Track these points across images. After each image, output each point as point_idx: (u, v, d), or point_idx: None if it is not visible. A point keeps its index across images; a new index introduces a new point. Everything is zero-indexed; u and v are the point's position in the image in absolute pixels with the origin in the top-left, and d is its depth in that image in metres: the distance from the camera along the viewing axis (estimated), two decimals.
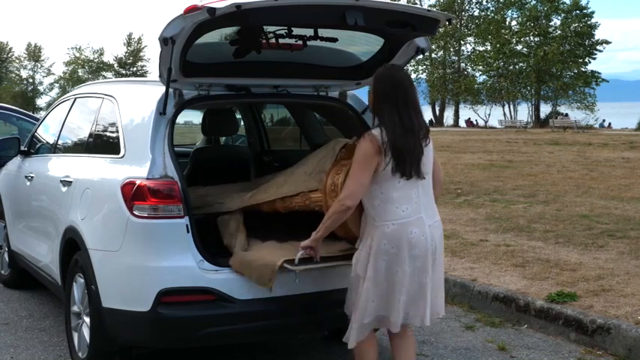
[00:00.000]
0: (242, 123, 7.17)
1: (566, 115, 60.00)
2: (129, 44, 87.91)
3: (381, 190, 3.89)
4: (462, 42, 74.06)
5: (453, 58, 75.00)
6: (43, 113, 8.41)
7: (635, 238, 8.34)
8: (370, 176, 3.87)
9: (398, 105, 3.91)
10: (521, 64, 68.14)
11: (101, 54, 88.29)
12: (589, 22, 65.42)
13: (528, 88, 67.59)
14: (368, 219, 3.94)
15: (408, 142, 3.87)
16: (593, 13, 65.29)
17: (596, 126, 56.49)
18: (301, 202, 4.56)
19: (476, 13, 73.79)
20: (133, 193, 4.24)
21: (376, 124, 3.96)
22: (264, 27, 4.42)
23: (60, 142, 6.20)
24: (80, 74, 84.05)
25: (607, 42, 66.33)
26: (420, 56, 5.32)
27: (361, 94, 5.41)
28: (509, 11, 69.41)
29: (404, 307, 3.93)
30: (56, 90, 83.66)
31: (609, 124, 58.92)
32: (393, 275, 3.87)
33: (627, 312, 5.53)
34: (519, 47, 68.24)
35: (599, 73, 67.17)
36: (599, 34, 66.30)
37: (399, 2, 5.06)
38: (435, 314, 4.09)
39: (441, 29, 4.10)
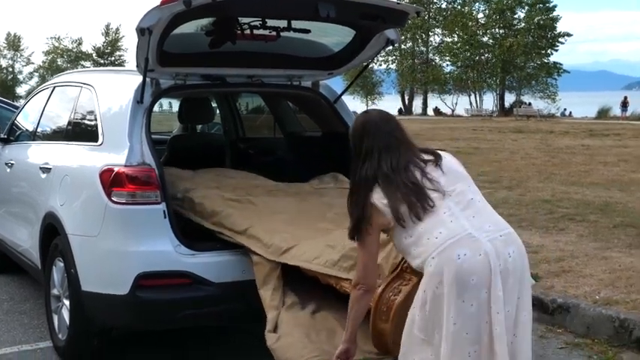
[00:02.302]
0: (218, 111, 7.15)
1: (530, 104, 60.46)
2: (107, 34, 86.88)
3: (409, 234, 3.03)
4: (430, 33, 74.21)
5: (422, 48, 75.16)
6: (22, 101, 8.29)
7: (593, 222, 8.44)
8: (376, 242, 3.17)
9: (379, 153, 3.15)
10: (487, 55, 68.60)
11: (80, 44, 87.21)
12: (551, 15, 66.11)
13: (494, 78, 68.08)
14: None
15: (396, 183, 3.08)
16: (555, 6, 66.03)
17: (558, 115, 57.08)
18: (334, 283, 3.80)
19: (443, 6, 74.02)
20: (111, 180, 4.21)
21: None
22: (239, 18, 4.40)
23: (39, 129, 6.13)
24: (59, 63, 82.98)
25: (569, 34, 67.04)
26: (390, 47, 5.33)
27: (333, 84, 5.41)
28: (476, 4, 69.76)
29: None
30: (36, 79, 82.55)
31: (570, 113, 59.49)
32: (452, 325, 2.85)
33: (586, 292, 5.61)
34: (485, 39, 68.70)
35: (560, 64, 67.89)
36: (561, 27, 66.98)
37: None
38: None
39: (410, 21, 4.08)
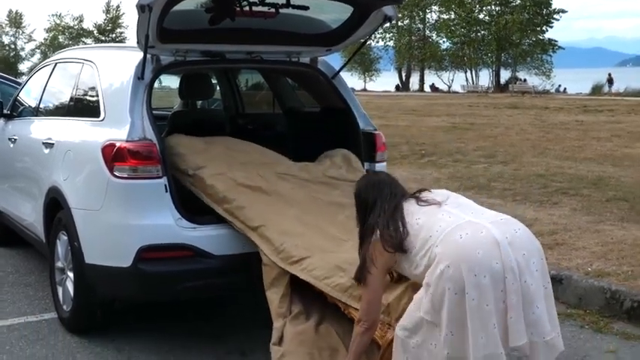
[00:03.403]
0: (218, 87, 7.12)
1: (525, 80, 60.27)
2: (108, 11, 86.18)
3: (413, 246, 3.11)
4: (427, 10, 73.58)
5: (419, 26, 74.59)
6: (24, 78, 8.25)
7: (587, 196, 8.46)
8: (381, 282, 3.27)
9: (381, 202, 3.32)
10: (483, 32, 68.11)
11: (81, 21, 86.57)
12: None
13: (489, 55, 67.63)
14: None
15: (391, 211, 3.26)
16: None
17: (553, 91, 56.87)
18: (342, 307, 3.77)
19: None
20: (113, 155, 4.21)
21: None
22: None
23: (42, 105, 6.12)
24: (61, 40, 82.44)
25: (563, 11, 66.51)
26: (388, 24, 5.30)
27: (331, 60, 5.39)
28: None
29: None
30: (37, 56, 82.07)
31: (565, 89, 59.27)
32: (471, 300, 2.84)
33: (578, 264, 5.63)
34: (481, 16, 68.17)
35: (555, 41, 67.45)
36: (556, 4, 66.72)
37: None
38: (546, 336, 2.95)
39: None
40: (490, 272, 2.83)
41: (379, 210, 3.28)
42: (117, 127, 4.34)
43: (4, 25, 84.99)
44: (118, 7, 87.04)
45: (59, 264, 4.89)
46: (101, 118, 4.63)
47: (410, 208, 3.25)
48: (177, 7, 4.20)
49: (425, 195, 3.30)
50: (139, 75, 4.42)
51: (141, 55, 4.39)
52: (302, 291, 3.93)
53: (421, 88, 70.61)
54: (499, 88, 62.33)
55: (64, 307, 4.81)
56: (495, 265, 2.84)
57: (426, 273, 3.00)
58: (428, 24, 74.22)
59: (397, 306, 3.45)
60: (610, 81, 51.80)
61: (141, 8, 4.07)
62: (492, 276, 2.83)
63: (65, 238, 4.72)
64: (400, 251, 3.13)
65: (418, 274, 3.09)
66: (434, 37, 73.93)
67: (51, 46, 79.52)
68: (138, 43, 4.35)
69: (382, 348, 3.40)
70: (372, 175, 3.71)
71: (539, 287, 2.93)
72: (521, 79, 61.74)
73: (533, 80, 60.08)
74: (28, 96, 6.61)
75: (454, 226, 2.99)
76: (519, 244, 2.93)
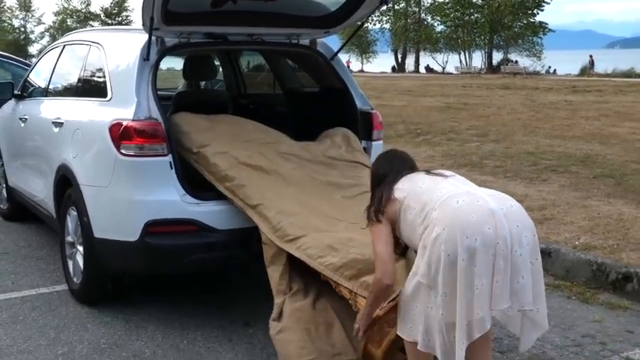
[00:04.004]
0: (220, 69, 7.10)
1: (516, 62, 60.05)
2: None
3: (413, 207, 3.12)
4: None
5: (414, 9, 74.10)
6: (34, 60, 8.21)
7: (575, 173, 8.47)
8: (389, 232, 3.22)
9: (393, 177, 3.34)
10: (476, 15, 67.78)
11: (88, 4, 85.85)
12: None
13: (482, 37, 67.31)
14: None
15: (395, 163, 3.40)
16: None
17: (543, 72, 56.68)
18: (333, 285, 3.76)
19: None
20: (120, 134, 4.20)
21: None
22: None
23: (51, 86, 6.09)
24: (69, 23, 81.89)
25: None
26: (384, 7, 5.26)
27: (330, 41, 5.36)
28: None
29: (487, 293, 2.84)
30: (47, 38, 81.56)
31: (554, 70, 59.04)
32: (462, 261, 2.83)
33: (566, 238, 5.65)
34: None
35: (546, 23, 67.10)
36: None
37: None
38: (526, 306, 2.93)
39: None
40: (481, 235, 2.83)
41: (385, 183, 3.32)
42: (123, 107, 4.33)
43: (14, 9, 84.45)
44: None
45: (69, 238, 4.90)
46: (108, 98, 4.61)
47: (418, 175, 3.30)
48: None
49: (434, 169, 3.36)
50: (145, 56, 4.39)
51: (146, 37, 4.36)
52: (302, 268, 3.93)
53: (416, 70, 70.35)
54: (491, 69, 62.12)
55: (75, 279, 4.83)
56: (487, 230, 2.84)
57: (422, 237, 3.01)
58: (423, 7, 73.78)
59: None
60: (591, 63, 52.11)
61: None
62: (483, 239, 2.82)
63: (75, 213, 4.73)
64: (377, 219, 3.21)
65: (416, 238, 3.09)
66: (429, 20, 73.60)
67: (59, 29, 79.01)
68: (143, 25, 4.32)
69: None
70: (386, 152, 3.71)
71: (527, 260, 2.92)
72: (512, 61, 61.52)
73: (525, 62, 59.84)
74: (38, 77, 6.59)
75: (452, 193, 3.02)
76: (514, 216, 2.93)
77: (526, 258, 2.91)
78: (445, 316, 2.88)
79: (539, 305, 3.01)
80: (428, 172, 3.32)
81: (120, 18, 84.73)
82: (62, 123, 5.09)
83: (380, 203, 3.25)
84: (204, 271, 5.15)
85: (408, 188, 3.20)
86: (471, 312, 2.84)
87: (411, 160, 3.50)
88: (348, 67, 66.89)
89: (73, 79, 5.55)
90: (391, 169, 3.38)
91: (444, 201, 2.98)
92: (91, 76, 5.21)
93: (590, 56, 52.94)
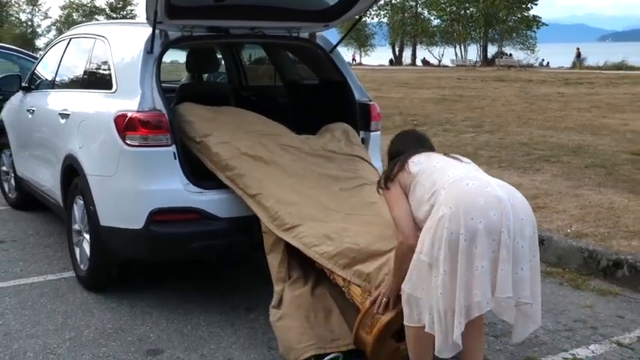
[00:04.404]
0: (222, 61, 7.08)
1: (510, 55, 59.91)
2: None
3: (424, 184, 3.11)
4: None
5: (411, 3, 73.83)
6: (41, 53, 8.19)
7: (567, 163, 8.47)
8: (403, 196, 3.19)
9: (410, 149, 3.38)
10: (471, 9, 67.58)
11: None
12: None
13: (477, 31, 67.17)
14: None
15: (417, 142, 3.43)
16: None
17: (536, 65, 56.59)
18: (327, 272, 3.76)
19: None
20: (125, 124, 4.19)
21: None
22: None
23: (57, 78, 6.08)
24: (75, 17, 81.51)
25: None
26: (382, 1, 5.26)
27: (329, 35, 5.35)
28: None
29: (488, 277, 2.82)
30: (53, 32, 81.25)
31: (547, 63, 58.92)
32: (463, 241, 2.82)
33: (559, 226, 5.66)
34: None
35: (539, 17, 66.97)
36: None
37: None
38: (523, 298, 2.91)
39: None
40: (486, 220, 2.80)
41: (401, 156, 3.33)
42: (128, 99, 4.32)
43: (21, 3, 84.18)
44: None
45: (76, 226, 4.90)
46: (113, 90, 4.60)
47: (434, 155, 3.31)
48: None
49: (452, 154, 3.36)
50: (149, 49, 4.38)
51: (150, 30, 4.34)
52: (301, 256, 3.93)
53: (413, 63, 70.18)
54: (486, 62, 61.99)
55: (81, 266, 4.83)
56: (493, 216, 2.81)
57: (429, 215, 2.99)
58: (420, 1, 73.52)
59: (377, 275, 3.44)
60: (578, 55, 52.58)
61: None
62: (487, 224, 2.80)
63: (81, 202, 4.73)
64: (386, 186, 3.24)
65: (421, 214, 3.08)
66: (425, 14, 73.38)
67: (65, 23, 78.70)
68: (147, 19, 4.30)
69: (361, 314, 3.40)
70: (405, 131, 3.72)
71: (527, 253, 2.91)
72: (507, 54, 61.38)
73: (518, 55, 59.74)
74: (45, 70, 6.58)
75: (463, 175, 3.00)
76: (519, 208, 2.90)
77: (527, 251, 2.89)
78: (443, 294, 2.86)
79: (535, 301, 3.00)
80: (446, 154, 3.32)
81: (124, 12, 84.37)
82: (68, 114, 5.08)
83: (392, 171, 3.25)
84: (207, 259, 5.15)
85: (423, 164, 3.18)
86: (470, 293, 2.82)
87: (428, 141, 3.51)
88: (354, 59, 66.81)
89: (79, 72, 5.53)
90: (408, 145, 3.40)
91: (454, 182, 2.96)
92: (97, 68, 5.20)
93: (577, 49, 53.43)
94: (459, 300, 2.83)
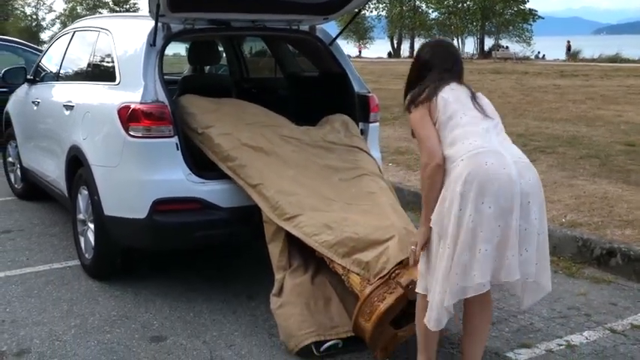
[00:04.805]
0: (224, 54, 7.06)
1: (507, 47, 59.75)
2: None
3: (443, 137, 2.97)
4: None
5: None
6: (46, 46, 8.17)
7: (562, 154, 8.45)
8: (433, 127, 3.00)
9: (441, 70, 3.15)
10: (468, 3, 67.36)
11: None
12: None
13: (474, 24, 67.02)
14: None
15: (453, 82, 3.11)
16: None
17: (532, 57, 56.47)
18: (327, 261, 3.76)
19: None
20: (128, 116, 4.18)
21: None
22: None
23: (62, 71, 6.06)
24: (79, 11, 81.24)
25: None
26: None
27: (329, 28, 5.33)
28: None
29: (490, 260, 2.82)
30: (57, 25, 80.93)
31: (543, 55, 58.79)
32: (470, 222, 2.79)
33: (554, 215, 5.65)
34: None
35: (535, 10, 66.80)
36: None
37: None
38: (529, 277, 2.92)
39: None
40: (495, 206, 2.78)
41: (430, 79, 3.10)
42: (131, 90, 4.30)
43: None
44: None
45: (81, 216, 4.90)
46: (117, 82, 4.59)
47: (462, 96, 3.08)
48: None
49: (480, 98, 3.13)
50: (151, 42, 4.37)
51: (152, 23, 4.33)
52: (301, 245, 3.93)
53: (411, 55, 69.83)
54: (483, 54, 61.88)
55: (86, 255, 4.83)
56: (503, 203, 2.78)
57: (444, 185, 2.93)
58: None
59: (376, 264, 3.44)
60: (569, 49, 52.82)
61: None
62: (496, 210, 2.78)
63: (86, 192, 4.72)
64: (409, 110, 3.07)
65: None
66: (423, 8, 73.17)
67: (70, 17, 78.45)
68: (149, 12, 4.29)
69: (360, 301, 3.41)
70: (442, 41, 3.39)
71: (534, 233, 2.90)
72: (503, 47, 61.22)
73: (515, 47, 59.58)
74: (50, 62, 6.56)
75: (485, 149, 2.87)
76: (529, 190, 2.87)
77: (532, 232, 2.88)
78: (445, 266, 2.85)
79: (544, 273, 3.00)
80: (474, 97, 3.10)
81: (127, 6, 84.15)
82: (73, 106, 5.06)
83: (419, 96, 3.06)
84: (209, 248, 5.15)
85: (450, 107, 3.00)
86: (468, 274, 2.81)
87: (459, 59, 3.26)
88: (360, 51, 66.62)
89: (83, 64, 5.52)
90: (438, 59, 3.17)
91: (473, 156, 2.85)
92: (100, 61, 5.18)
93: (568, 42, 53.89)
94: (454, 279, 2.83)
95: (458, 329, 3.70)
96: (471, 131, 2.94)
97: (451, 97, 3.03)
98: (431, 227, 2.94)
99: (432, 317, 2.93)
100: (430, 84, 3.08)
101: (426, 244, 3.02)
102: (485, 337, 3.20)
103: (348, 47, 67.11)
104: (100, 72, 5.13)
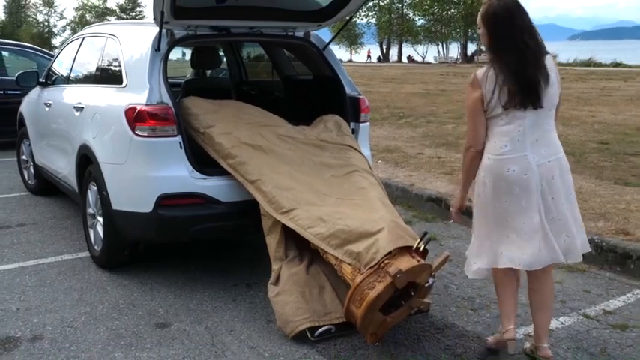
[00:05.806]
0: (224, 58, 7.05)
1: None
2: None
3: (488, 124, 3.09)
4: None
5: (398, 5, 73.52)
6: (57, 51, 8.13)
7: None
8: (482, 116, 3.07)
9: (515, 38, 3.01)
10: (452, 11, 67.39)
11: (105, 1, 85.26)
12: None
13: (458, 30, 67.02)
14: None
15: (523, 70, 2.99)
16: None
17: None
18: (321, 252, 3.78)
19: None
20: (134, 116, 4.18)
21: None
22: None
23: (72, 74, 6.04)
24: (88, 18, 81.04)
25: None
26: (371, 3, 5.24)
27: (322, 34, 5.32)
28: None
29: (515, 246, 3.09)
30: (68, 31, 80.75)
31: None
32: (493, 208, 3.11)
33: None
34: None
35: None
36: None
37: None
38: (570, 254, 3.16)
39: None
40: (514, 206, 3.05)
41: (509, 56, 3.02)
42: (137, 93, 4.29)
43: (38, 5, 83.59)
44: None
45: (90, 210, 4.89)
46: (124, 84, 4.57)
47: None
48: None
49: (553, 76, 3.08)
50: (156, 47, 4.36)
51: (157, 29, 4.32)
52: (296, 237, 3.93)
53: (399, 59, 70.02)
54: (466, 59, 61.87)
55: (96, 247, 4.82)
56: (524, 205, 3.05)
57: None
58: (405, 3, 73.19)
59: (366, 255, 3.44)
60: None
61: None
62: (517, 208, 3.06)
63: (95, 188, 4.71)
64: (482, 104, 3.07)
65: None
66: (411, 15, 73.06)
67: (79, 23, 78.20)
68: (154, 19, 4.27)
69: (351, 289, 3.40)
70: (501, 5, 3.07)
71: (562, 202, 3.09)
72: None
73: None
74: (60, 66, 6.53)
75: (512, 157, 3.05)
76: (550, 189, 3.07)
77: (560, 202, 3.10)
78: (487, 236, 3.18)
79: (580, 233, 3.21)
80: (546, 79, 3.03)
81: (134, 13, 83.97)
82: (83, 107, 5.05)
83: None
84: (210, 240, 5.15)
85: (494, 97, 3.02)
86: (497, 251, 3.14)
87: (538, 37, 3.08)
88: (369, 56, 66.37)
89: (92, 68, 5.50)
90: (516, 33, 3.03)
91: (501, 160, 3.06)
92: (108, 65, 5.17)
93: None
94: (486, 248, 3.18)
95: (443, 315, 3.70)
96: (506, 132, 3.05)
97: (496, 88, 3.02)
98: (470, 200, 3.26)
99: (470, 268, 3.30)
100: (499, 64, 3.05)
101: (462, 207, 3.32)
102: (551, 300, 3.35)
103: (340, 52, 67.10)
104: (108, 75, 5.11)
